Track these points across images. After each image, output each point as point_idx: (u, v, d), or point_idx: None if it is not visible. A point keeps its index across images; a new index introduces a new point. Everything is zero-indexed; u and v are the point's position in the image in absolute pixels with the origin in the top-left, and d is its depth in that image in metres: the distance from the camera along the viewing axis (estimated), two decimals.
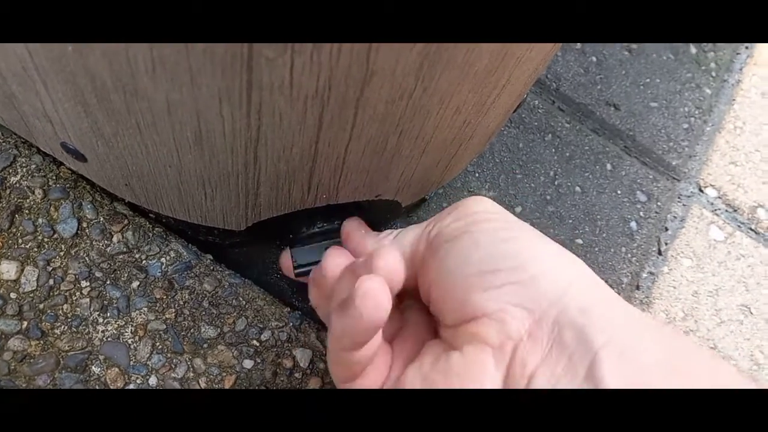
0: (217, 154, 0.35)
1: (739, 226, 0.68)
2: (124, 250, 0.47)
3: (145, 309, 0.46)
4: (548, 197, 0.64)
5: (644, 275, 0.64)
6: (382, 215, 0.56)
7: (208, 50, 0.26)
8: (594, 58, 0.72)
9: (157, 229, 0.49)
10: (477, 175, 0.63)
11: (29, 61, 0.32)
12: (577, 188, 0.65)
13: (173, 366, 0.45)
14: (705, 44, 0.76)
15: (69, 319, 0.45)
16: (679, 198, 0.68)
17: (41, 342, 0.44)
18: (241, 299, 0.48)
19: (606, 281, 0.62)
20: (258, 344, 0.46)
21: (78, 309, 0.45)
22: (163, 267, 0.48)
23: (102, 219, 0.48)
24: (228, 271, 0.49)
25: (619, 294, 0.62)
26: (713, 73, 0.75)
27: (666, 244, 0.66)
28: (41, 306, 0.45)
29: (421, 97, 0.32)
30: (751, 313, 0.65)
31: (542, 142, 0.66)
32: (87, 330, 0.45)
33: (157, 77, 0.29)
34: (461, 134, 0.40)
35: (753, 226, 0.68)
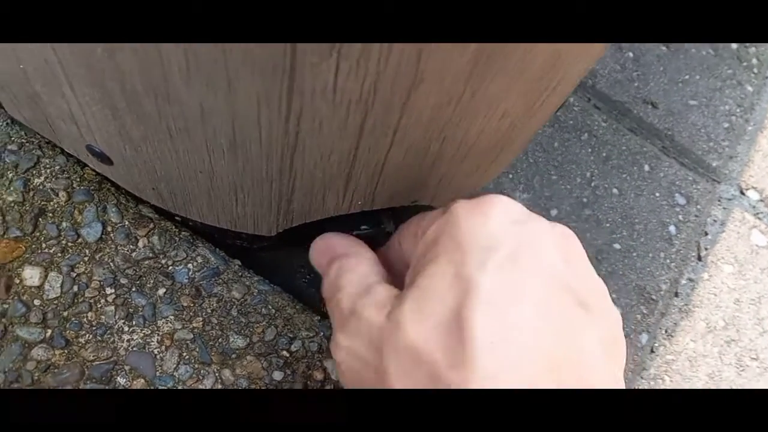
0: (252, 160, 0.33)
1: None
2: (150, 255, 0.46)
3: (172, 317, 0.44)
4: (585, 200, 0.62)
5: (683, 282, 0.61)
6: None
7: (248, 54, 0.25)
8: (631, 54, 0.69)
9: (183, 233, 0.48)
10: (510, 176, 0.61)
11: (55, 61, 0.30)
12: (615, 190, 0.63)
13: (201, 377, 0.43)
14: None
15: (94, 328, 0.43)
16: (719, 201, 0.65)
17: (65, 351, 0.42)
18: (270, 307, 0.46)
19: (644, 288, 0.60)
20: (288, 355, 0.45)
21: (103, 317, 0.44)
22: (190, 273, 0.46)
23: (127, 223, 0.46)
24: (257, 277, 0.48)
25: (657, 302, 0.60)
26: (755, 70, 0.72)
27: (706, 249, 0.63)
28: (65, 314, 0.43)
29: (469, 102, 0.30)
30: None
31: (578, 142, 0.64)
32: (112, 339, 0.43)
33: (191, 81, 0.27)
34: (505, 138, 0.38)
35: None
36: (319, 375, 0.45)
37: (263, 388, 0.43)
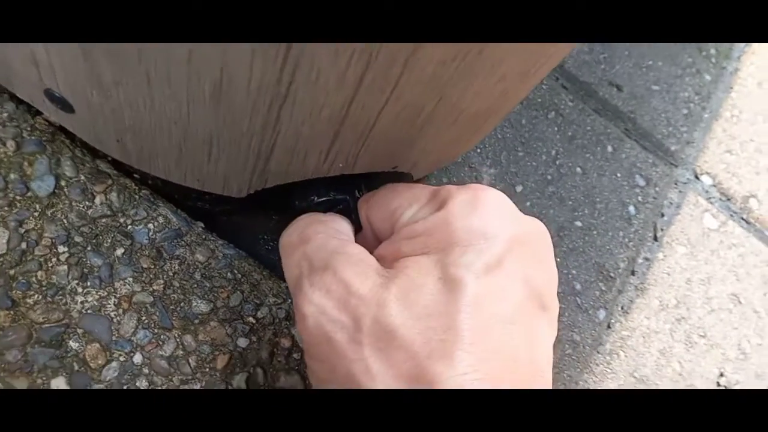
0: (235, 111, 0.31)
1: (731, 215, 0.68)
2: (108, 213, 0.43)
3: (131, 279, 0.42)
4: (549, 177, 0.62)
5: (640, 261, 0.63)
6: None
7: None
8: None
9: (143, 191, 0.45)
10: (479, 150, 0.61)
11: None
12: (578, 169, 0.63)
13: (161, 343, 0.41)
14: None
15: (44, 288, 0.40)
16: (675, 184, 0.67)
17: (11, 312, 0.39)
18: (236, 272, 0.44)
19: (603, 265, 0.61)
20: (254, 321, 0.43)
21: (54, 277, 0.41)
22: (151, 234, 0.43)
23: (83, 177, 0.43)
24: (221, 241, 0.46)
25: (615, 279, 0.61)
26: (713, 60, 0.74)
27: (662, 230, 0.65)
28: (12, 272, 0.40)
29: (475, 60, 0.29)
30: (740, 302, 0.64)
31: (545, 120, 0.64)
32: (64, 300, 0.40)
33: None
34: (495, 105, 0.37)
35: (745, 216, 0.68)
36: (286, 342, 0.43)
37: (227, 354, 0.41)
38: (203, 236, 0.45)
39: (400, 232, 0.33)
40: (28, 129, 0.43)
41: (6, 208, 0.41)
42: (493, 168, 0.61)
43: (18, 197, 0.42)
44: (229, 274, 0.44)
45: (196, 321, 0.42)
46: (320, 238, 0.34)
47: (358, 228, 0.39)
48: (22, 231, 0.41)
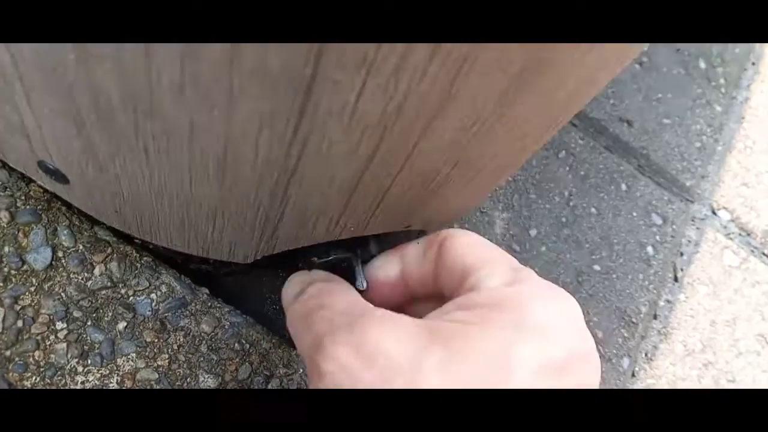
0: (240, 185, 0.29)
1: (752, 250, 0.65)
2: (108, 284, 0.41)
3: (134, 355, 0.39)
4: (564, 219, 0.60)
5: (661, 303, 0.60)
6: (396, 242, 0.51)
7: (260, 66, 0.21)
8: None
9: (145, 258, 0.43)
10: (490, 195, 0.59)
11: (11, 68, 0.25)
12: (593, 209, 0.61)
13: None
14: (713, 59, 0.73)
15: (41, 369, 0.38)
16: (693, 221, 0.65)
17: None
18: (243, 342, 0.42)
19: (625, 310, 0.58)
20: None
21: (53, 356, 0.38)
22: (154, 304, 0.41)
23: (81, 247, 0.41)
24: (227, 307, 0.43)
25: (637, 325, 0.59)
26: (722, 90, 0.72)
27: (682, 270, 0.62)
28: (8, 353, 0.38)
29: (494, 125, 0.27)
30: None
31: (556, 160, 0.62)
32: (63, 381, 0.38)
33: (184, 97, 0.23)
34: (512, 161, 0.35)
35: (766, 251, 0.66)
36: None
37: None
38: (208, 303, 0.43)
39: (471, 297, 0.29)
40: (23, 198, 0.41)
41: (1, 285, 0.39)
42: (506, 212, 0.59)
43: (13, 271, 0.39)
44: (236, 344, 0.41)
45: None
46: (338, 297, 0.32)
47: (358, 288, 0.37)
48: (18, 308, 0.39)
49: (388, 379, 0.26)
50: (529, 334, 0.26)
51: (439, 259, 0.32)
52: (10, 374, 0.37)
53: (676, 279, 0.62)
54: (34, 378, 0.37)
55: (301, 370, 0.42)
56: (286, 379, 0.41)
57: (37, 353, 0.38)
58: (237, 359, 0.41)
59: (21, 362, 0.38)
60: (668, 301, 0.61)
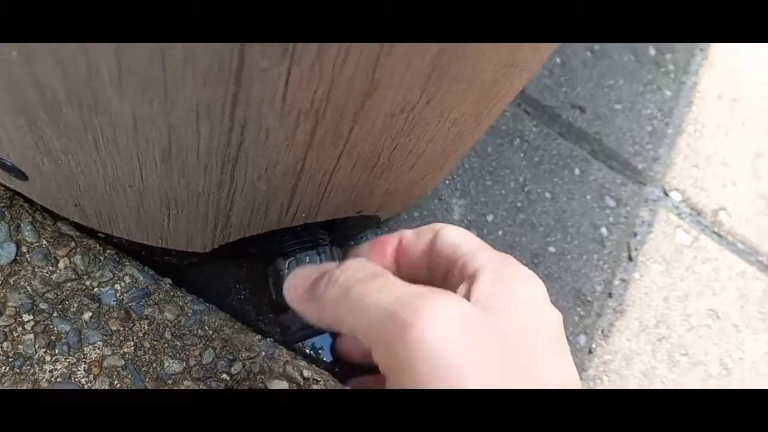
0: (188, 173, 0.31)
1: (703, 229, 0.68)
2: (73, 276, 0.42)
3: (100, 343, 0.41)
4: (519, 204, 0.62)
5: (616, 282, 0.63)
6: (355, 230, 0.52)
7: (190, 59, 0.22)
8: (558, 59, 0.71)
9: (108, 251, 0.44)
10: (447, 182, 0.61)
11: None
12: (547, 194, 0.64)
13: None
14: (663, 45, 0.76)
15: (10, 359, 0.39)
16: (645, 202, 0.67)
17: None
18: (207, 328, 0.43)
19: (580, 290, 0.61)
20: (228, 378, 0.42)
21: (21, 347, 0.40)
22: (118, 294, 0.43)
23: (45, 242, 0.42)
24: (190, 296, 0.45)
25: (593, 303, 0.61)
26: (672, 75, 0.75)
27: (636, 249, 0.65)
28: None
29: (423, 110, 0.29)
30: (718, 317, 0.65)
31: (510, 147, 0.64)
32: (32, 370, 0.39)
33: (123, 89, 0.24)
34: (452, 147, 0.37)
35: (716, 230, 0.69)
36: None
37: None
38: (171, 293, 0.44)
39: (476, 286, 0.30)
40: None
41: None
42: (463, 199, 0.61)
43: None
44: (199, 330, 0.43)
45: (170, 381, 0.41)
46: (358, 272, 0.31)
47: None
48: None
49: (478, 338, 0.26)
50: (542, 310, 0.28)
51: (435, 243, 0.33)
52: None
53: (630, 258, 0.64)
54: (3, 368, 0.39)
55: (263, 353, 0.44)
56: (249, 363, 0.43)
57: (5, 344, 0.39)
58: (200, 345, 0.43)
59: None
60: (623, 280, 0.63)
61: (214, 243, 0.40)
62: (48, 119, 0.28)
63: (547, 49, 0.32)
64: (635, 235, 0.65)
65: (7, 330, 0.40)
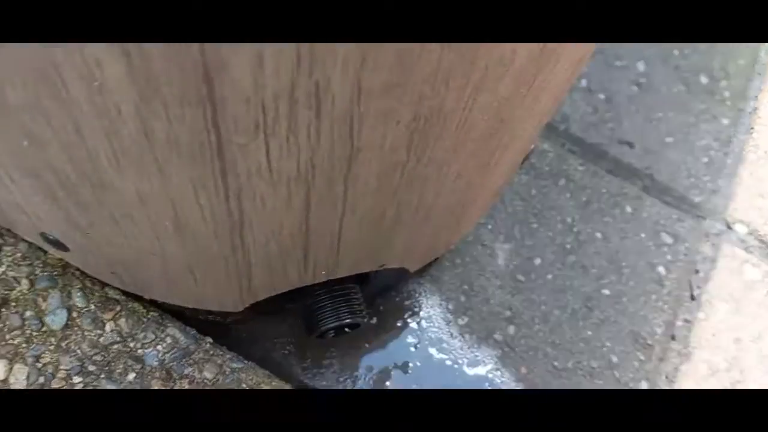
0: (200, 240, 0.32)
1: None
2: (118, 339, 0.44)
3: None
4: (568, 246, 0.60)
5: (679, 323, 0.59)
6: (390, 280, 0.53)
7: (172, 139, 0.24)
8: (602, 96, 0.69)
9: (152, 313, 0.46)
10: (490, 227, 0.60)
11: None
12: (598, 234, 0.62)
13: None
14: (716, 73, 0.73)
15: None
16: (706, 237, 0.64)
17: None
18: (243, 386, 0.44)
19: (639, 333, 0.58)
20: None
21: None
22: (160, 355, 0.44)
23: (93, 306, 0.45)
24: (229, 354, 0.46)
25: (653, 347, 0.58)
26: (728, 102, 0.71)
27: (698, 288, 0.61)
28: None
29: (416, 167, 0.29)
30: None
31: (555, 188, 0.63)
32: None
33: (122, 169, 0.26)
34: (465, 197, 0.37)
35: None
36: None
37: None
38: (211, 352, 0.46)
39: None
40: (41, 265, 0.46)
41: (24, 345, 0.43)
42: (507, 243, 0.60)
43: (35, 333, 0.44)
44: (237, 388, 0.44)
45: None
46: None
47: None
48: (40, 366, 0.43)
49: None
50: None
51: None
52: None
53: (692, 297, 0.61)
54: None
55: None
56: None
57: None
58: None
59: None
60: (686, 321, 0.60)
61: (244, 302, 0.41)
62: (68, 198, 0.30)
63: (534, 102, 0.32)
64: (697, 272, 0.62)
65: None
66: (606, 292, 0.59)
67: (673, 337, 0.59)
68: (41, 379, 0.43)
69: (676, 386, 0.57)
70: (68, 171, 0.27)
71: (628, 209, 0.63)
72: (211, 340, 0.47)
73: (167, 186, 0.27)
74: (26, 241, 0.46)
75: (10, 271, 0.45)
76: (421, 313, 0.56)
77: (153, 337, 0.45)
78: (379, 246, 0.37)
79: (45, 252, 0.46)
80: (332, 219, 0.31)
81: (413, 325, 0.55)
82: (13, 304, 0.44)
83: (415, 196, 0.32)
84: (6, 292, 0.44)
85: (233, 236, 0.32)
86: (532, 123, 0.33)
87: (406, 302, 0.56)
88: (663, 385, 0.57)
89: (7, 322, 0.44)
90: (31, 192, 0.31)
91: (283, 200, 0.28)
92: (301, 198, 0.29)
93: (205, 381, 0.44)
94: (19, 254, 0.45)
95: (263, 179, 0.27)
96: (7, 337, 0.43)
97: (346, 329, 0.46)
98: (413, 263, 0.44)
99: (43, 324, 0.44)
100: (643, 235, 0.62)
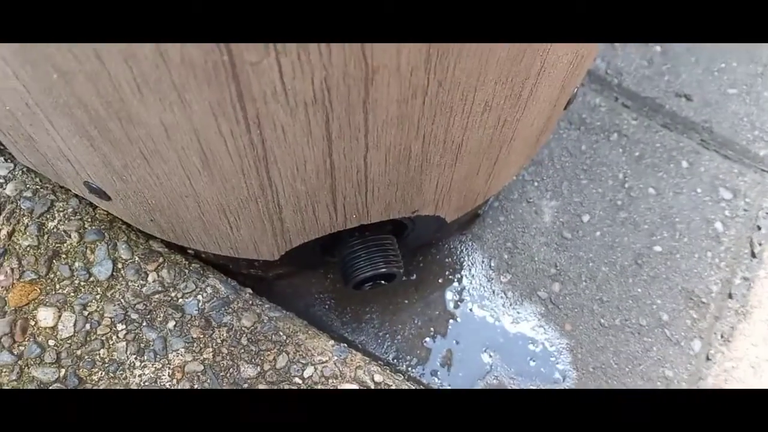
0: (229, 177, 0.32)
1: None
2: (160, 289, 0.45)
3: (182, 350, 0.44)
4: (619, 202, 0.58)
5: (737, 281, 0.56)
6: (428, 234, 0.52)
7: (187, 60, 0.24)
8: (658, 48, 0.66)
9: (194, 265, 0.47)
10: (536, 184, 0.58)
11: (28, 96, 0.30)
12: (651, 190, 0.59)
13: None
14: None
15: (106, 365, 0.43)
16: None
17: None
18: (281, 334, 0.45)
19: (693, 291, 0.55)
20: (301, 382, 0.43)
21: (115, 353, 0.43)
22: (200, 304, 0.45)
23: (137, 258, 0.46)
24: (268, 304, 0.47)
25: (708, 305, 0.55)
26: None
27: (760, 245, 0.58)
28: (79, 352, 0.43)
29: (438, 93, 0.28)
30: None
31: (607, 143, 0.61)
32: (124, 375, 0.43)
33: (145, 98, 0.26)
34: (499, 135, 0.35)
35: None
36: None
37: None
38: (250, 302, 0.46)
39: None
40: (90, 220, 0.47)
41: (72, 294, 0.45)
42: (555, 200, 0.58)
43: (82, 283, 0.45)
44: (274, 336, 0.45)
45: (245, 385, 0.43)
46: None
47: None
48: (86, 314, 0.44)
49: None
50: None
51: None
52: (81, 370, 0.43)
53: (753, 255, 0.57)
54: (100, 373, 0.43)
55: (336, 358, 0.44)
56: (321, 366, 0.44)
57: (102, 351, 0.43)
58: (275, 349, 0.44)
59: (89, 360, 0.43)
60: (745, 279, 0.56)
61: (279, 249, 0.42)
62: (101, 137, 0.31)
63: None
64: (758, 228, 0.58)
65: (104, 338, 0.44)
66: (658, 248, 0.57)
67: (730, 295, 0.56)
68: (87, 326, 0.44)
69: (732, 346, 0.54)
70: (96, 105, 0.28)
71: (684, 164, 0.60)
72: (251, 291, 0.47)
73: (189, 115, 0.27)
74: (77, 198, 0.48)
75: (62, 225, 0.47)
76: (462, 270, 0.55)
77: (194, 287, 0.46)
78: (409, 188, 0.37)
79: (94, 207, 0.48)
80: (356, 152, 0.31)
81: (454, 282, 0.54)
82: (64, 256, 0.46)
83: (441, 130, 0.31)
84: (58, 245, 0.46)
85: (260, 172, 0.32)
86: (567, 51, 0.32)
87: (447, 259, 0.55)
88: (717, 344, 0.54)
89: (58, 273, 0.45)
90: (69, 134, 0.32)
91: (303, 128, 0.28)
92: (321, 126, 0.28)
93: (243, 328, 0.45)
94: (70, 209, 0.47)
95: (280, 103, 0.26)
96: (57, 287, 0.45)
97: (382, 281, 0.45)
98: (449, 212, 0.43)
99: (90, 275, 0.46)
100: (699, 191, 0.59)
